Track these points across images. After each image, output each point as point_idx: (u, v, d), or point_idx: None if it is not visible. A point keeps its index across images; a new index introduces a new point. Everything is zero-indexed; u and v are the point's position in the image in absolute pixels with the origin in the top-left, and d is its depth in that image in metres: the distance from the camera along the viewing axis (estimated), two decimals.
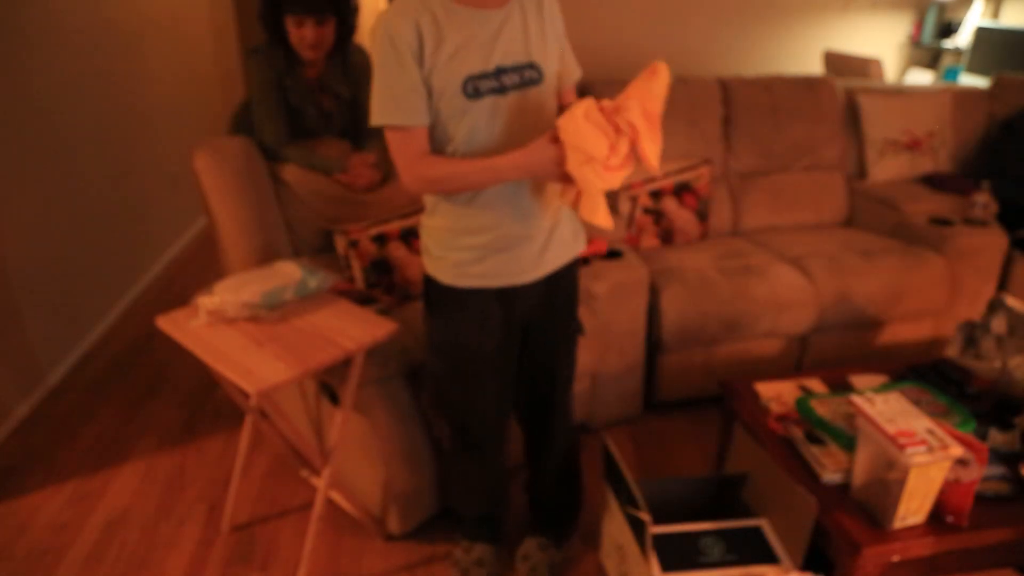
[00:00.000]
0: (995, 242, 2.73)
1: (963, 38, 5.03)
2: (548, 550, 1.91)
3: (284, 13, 2.09)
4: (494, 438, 1.78)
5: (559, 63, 1.53)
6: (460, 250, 1.52)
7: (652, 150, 1.34)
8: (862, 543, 1.43)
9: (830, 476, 1.59)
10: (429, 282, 1.60)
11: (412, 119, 1.40)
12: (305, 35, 2.11)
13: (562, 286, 1.65)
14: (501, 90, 1.42)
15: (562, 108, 1.50)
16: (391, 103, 1.40)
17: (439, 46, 1.37)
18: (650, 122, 1.34)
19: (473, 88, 1.40)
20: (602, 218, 1.38)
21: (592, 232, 1.37)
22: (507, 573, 1.92)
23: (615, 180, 1.34)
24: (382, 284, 2.24)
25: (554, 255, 1.59)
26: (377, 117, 1.42)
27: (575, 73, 1.58)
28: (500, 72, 1.41)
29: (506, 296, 1.57)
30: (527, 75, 1.44)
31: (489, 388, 1.68)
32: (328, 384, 1.83)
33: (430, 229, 1.56)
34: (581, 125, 1.30)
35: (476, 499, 1.88)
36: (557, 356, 1.73)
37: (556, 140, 1.34)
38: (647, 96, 1.35)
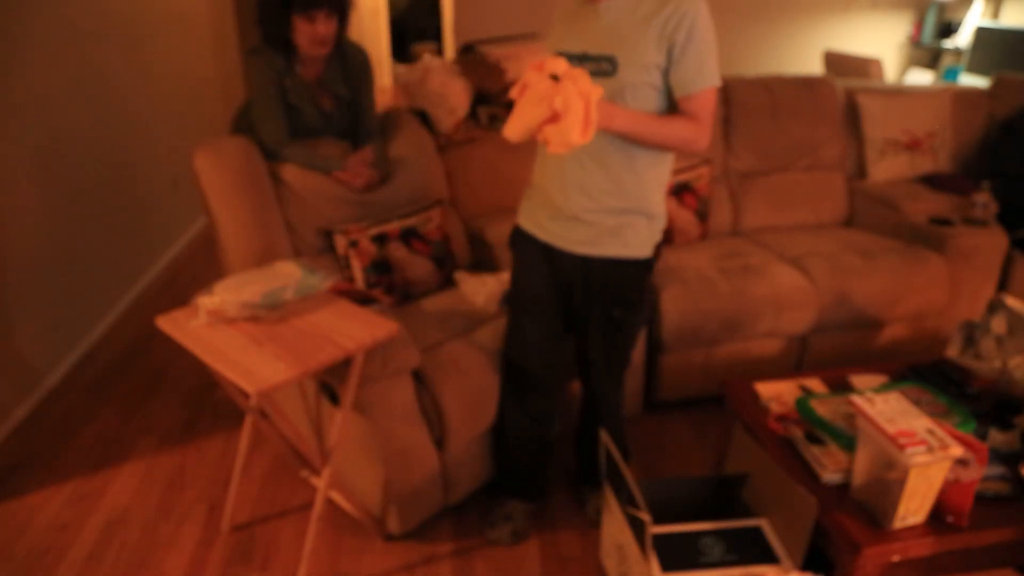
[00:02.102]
0: (995, 242, 2.73)
1: (963, 38, 5.03)
2: (596, 496, 2.11)
3: (293, 12, 2.07)
4: (546, 379, 1.96)
5: (665, 68, 1.60)
6: (529, 196, 1.86)
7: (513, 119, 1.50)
8: (862, 543, 1.43)
9: (830, 476, 1.59)
10: (516, 224, 1.91)
11: None
12: (319, 30, 2.10)
13: (600, 274, 1.78)
14: None
15: (676, 109, 1.66)
16: None
17: (555, 26, 1.75)
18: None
19: None
20: (512, 122, 1.52)
21: None
22: (534, 532, 2.06)
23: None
24: (382, 284, 2.24)
25: (599, 242, 1.74)
26: None
27: (697, 83, 1.60)
28: (584, 58, 1.64)
29: (549, 252, 1.81)
30: (602, 67, 1.61)
31: (539, 326, 1.90)
32: (328, 384, 1.83)
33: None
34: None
35: (522, 445, 2.02)
36: (589, 333, 1.87)
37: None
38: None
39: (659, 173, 1.73)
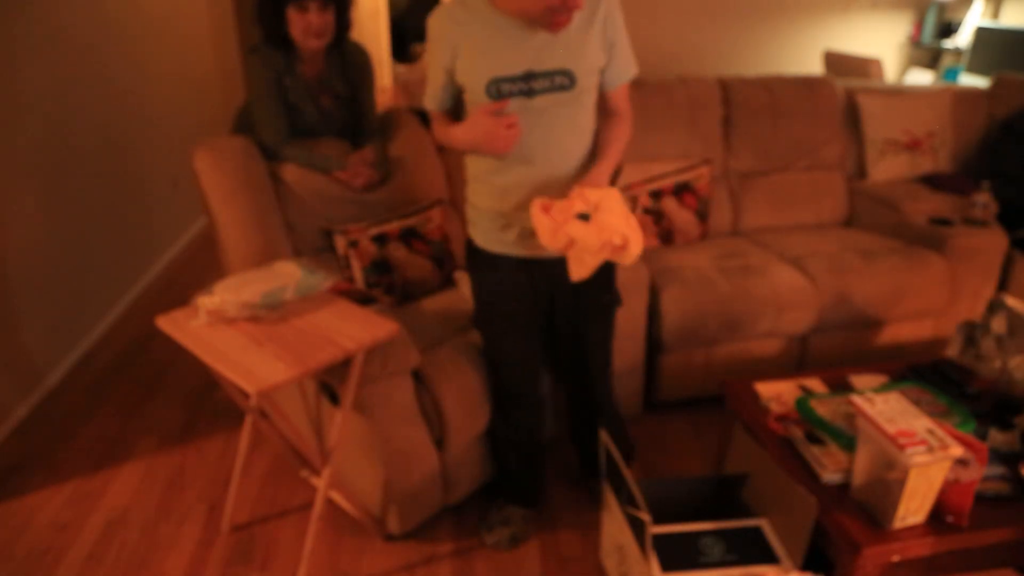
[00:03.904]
0: (995, 242, 2.73)
1: (963, 38, 5.03)
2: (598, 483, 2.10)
3: (286, 3, 2.07)
4: (528, 394, 1.95)
5: (604, 66, 1.61)
6: (489, 219, 1.73)
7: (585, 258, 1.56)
8: (862, 543, 1.43)
9: (830, 476, 1.59)
10: (468, 243, 1.82)
11: (433, 105, 1.71)
12: (311, 20, 2.09)
13: None
14: (529, 93, 1.55)
15: (604, 107, 1.67)
16: (428, 91, 1.70)
17: (470, 48, 1.55)
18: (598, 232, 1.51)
19: (496, 89, 1.55)
20: (576, 270, 1.57)
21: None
22: (533, 535, 2.06)
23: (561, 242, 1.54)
24: (382, 284, 2.24)
25: None
26: (423, 100, 1.73)
27: (627, 72, 1.66)
28: (530, 76, 1.54)
29: (529, 265, 1.75)
30: (558, 81, 1.55)
31: (517, 344, 1.87)
32: (328, 384, 1.83)
33: (467, 199, 1.80)
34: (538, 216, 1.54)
35: (514, 455, 2.03)
36: (586, 325, 1.87)
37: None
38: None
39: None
